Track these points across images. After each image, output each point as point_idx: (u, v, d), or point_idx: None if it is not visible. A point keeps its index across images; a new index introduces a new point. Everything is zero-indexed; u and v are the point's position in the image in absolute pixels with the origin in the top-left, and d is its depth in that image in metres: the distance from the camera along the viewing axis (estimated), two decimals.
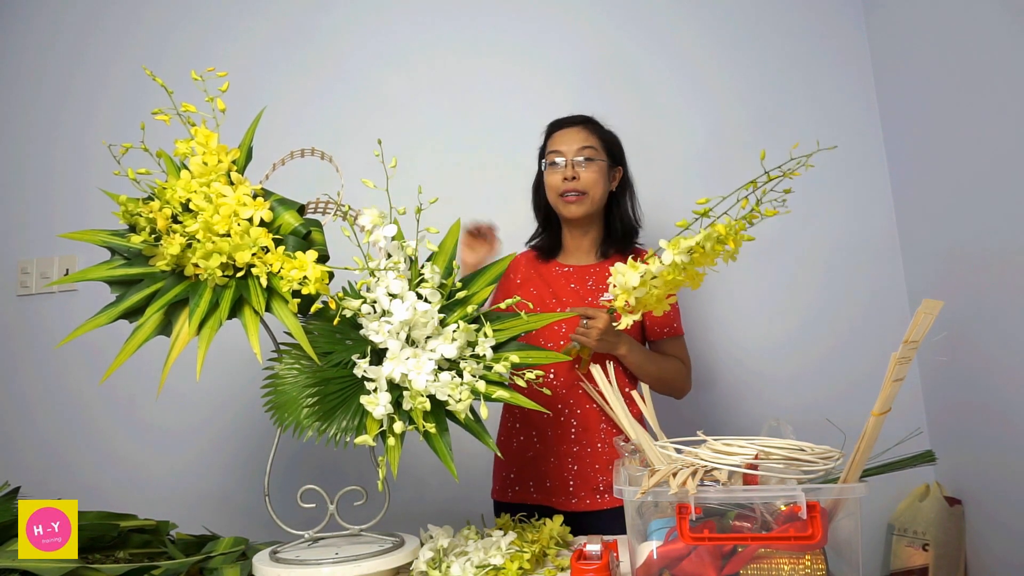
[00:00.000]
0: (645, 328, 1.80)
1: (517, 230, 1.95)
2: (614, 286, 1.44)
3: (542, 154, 1.88)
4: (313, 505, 1.32)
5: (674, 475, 0.98)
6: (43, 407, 2.47)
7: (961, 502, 2.00)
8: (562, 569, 1.24)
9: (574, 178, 1.77)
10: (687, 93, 2.38)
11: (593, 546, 1.09)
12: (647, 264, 1.40)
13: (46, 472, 2.38)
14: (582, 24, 2.44)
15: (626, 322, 1.46)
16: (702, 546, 0.97)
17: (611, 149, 1.83)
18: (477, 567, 1.19)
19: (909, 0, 2.08)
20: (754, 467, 0.96)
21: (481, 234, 1.82)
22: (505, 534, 1.28)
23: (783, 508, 0.95)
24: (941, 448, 1.77)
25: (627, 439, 1.19)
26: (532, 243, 1.93)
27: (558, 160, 1.79)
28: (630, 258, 1.47)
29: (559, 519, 1.40)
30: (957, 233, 1.92)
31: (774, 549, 0.96)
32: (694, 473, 0.97)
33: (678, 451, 1.06)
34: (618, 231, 1.84)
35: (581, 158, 1.77)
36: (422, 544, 1.31)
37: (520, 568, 1.20)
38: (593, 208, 1.80)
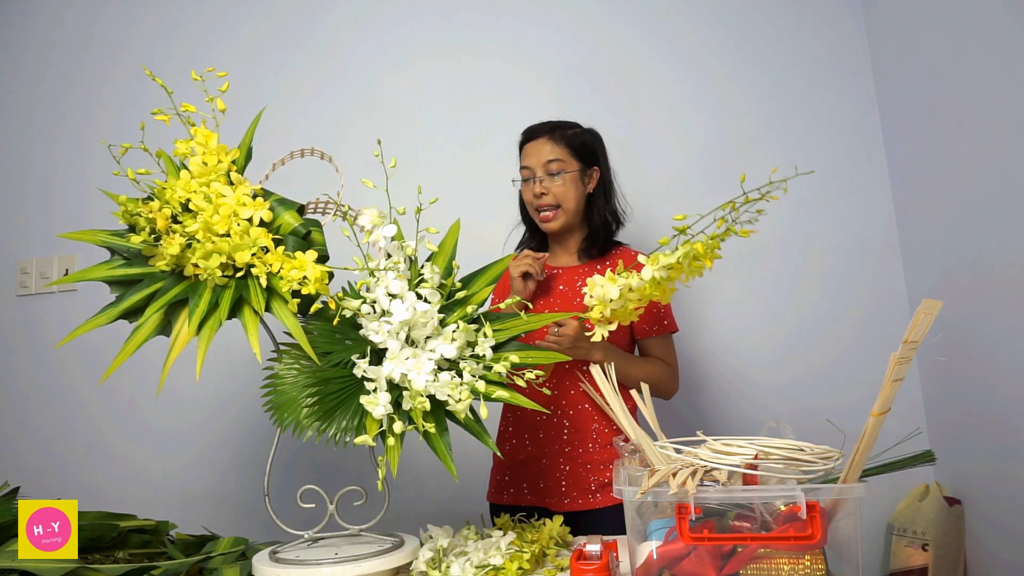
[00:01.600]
0: (632, 326, 1.77)
1: (517, 229, 1.95)
2: (591, 297, 1.44)
3: (520, 151, 1.86)
4: (313, 505, 1.32)
5: (674, 475, 0.98)
6: (43, 407, 2.47)
7: (961, 502, 1.99)
8: (562, 569, 1.24)
9: (544, 194, 1.77)
10: (687, 95, 2.38)
11: (593, 546, 1.09)
12: (626, 277, 1.40)
13: (46, 472, 2.38)
14: (582, 25, 2.44)
15: (601, 332, 1.46)
16: (702, 546, 0.97)
17: (582, 153, 1.81)
18: (477, 567, 1.19)
19: (909, 1, 2.09)
20: (754, 467, 0.96)
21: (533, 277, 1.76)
22: (505, 534, 1.29)
23: (783, 508, 0.96)
24: (941, 448, 1.77)
25: (627, 439, 1.19)
26: (521, 249, 1.91)
27: (528, 177, 1.80)
28: (608, 271, 1.45)
29: (559, 519, 1.40)
30: (957, 234, 1.92)
31: (774, 549, 0.96)
32: (694, 473, 0.97)
33: (678, 451, 1.05)
34: (598, 232, 1.83)
35: (549, 172, 1.77)
36: (422, 544, 1.32)
37: (520, 568, 1.20)
38: (569, 219, 1.80)
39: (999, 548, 1.86)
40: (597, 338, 1.47)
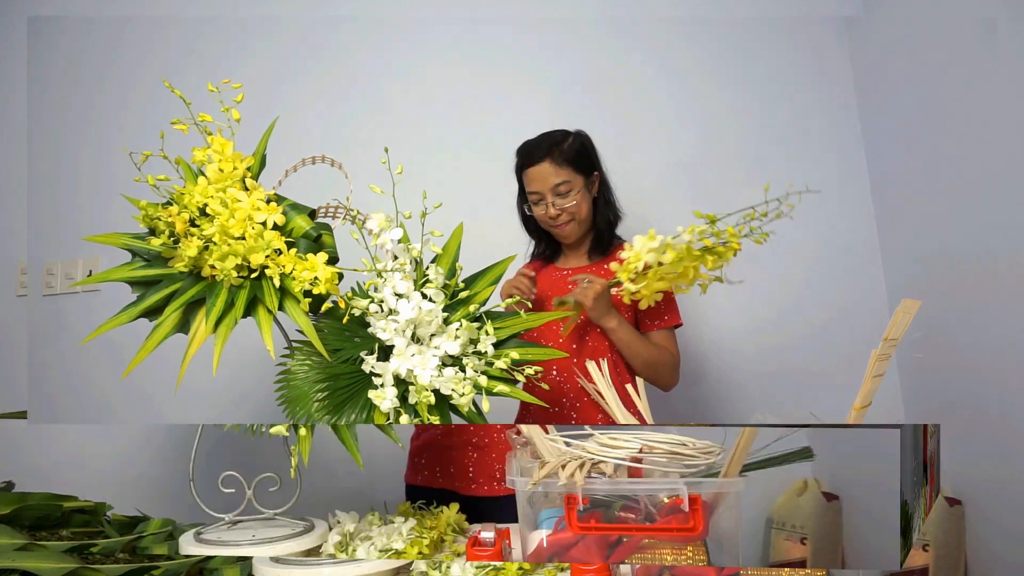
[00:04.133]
0: (637, 318, 1.83)
1: (521, 234, 2.01)
2: (631, 248, 1.48)
3: (519, 172, 1.88)
4: (233, 490, 1.37)
5: (563, 467, 1.00)
6: (68, 402, 2.52)
7: (961, 502, 1.98)
8: (459, 554, 1.28)
9: (559, 214, 1.81)
10: (676, 105, 2.45)
11: (487, 533, 1.14)
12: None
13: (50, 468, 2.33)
14: (584, 41, 2.51)
15: (627, 288, 1.50)
16: (589, 535, 1.00)
17: (581, 164, 1.82)
18: (380, 551, 1.23)
19: (887, 6, 2.12)
20: (638, 460, 0.99)
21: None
22: (406, 520, 1.33)
23: (666, 500, 0.99)
24: (943, 448, 1.79)
25: (518, 432, 1.21)
26: (536, 255, 1.97)
27: (538, 200, 1.83)
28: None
29: (455, 507, 1.45)
30: (936, 236, 1.94)
31: (658, 540, 0.99)
32: (582, 465, 1.00)
33: (567, 444, 1.06)
34: (604, 232, 1.89)
35: (559, 194, 1.80)
36: (330, 528, 1.35)
37: (420, 552, 1.25)
38: (585, 226, 1.86)
39: (1000, 548, 1.85)
40: (626, 297, 1.52)
